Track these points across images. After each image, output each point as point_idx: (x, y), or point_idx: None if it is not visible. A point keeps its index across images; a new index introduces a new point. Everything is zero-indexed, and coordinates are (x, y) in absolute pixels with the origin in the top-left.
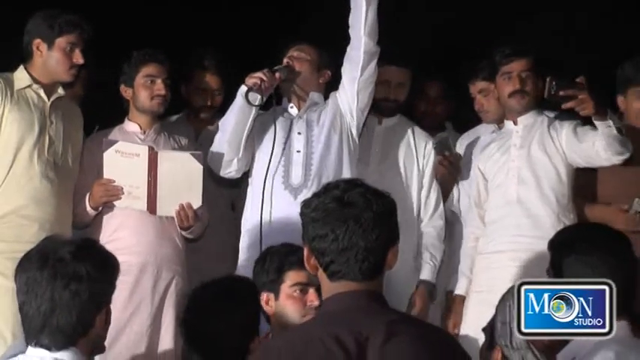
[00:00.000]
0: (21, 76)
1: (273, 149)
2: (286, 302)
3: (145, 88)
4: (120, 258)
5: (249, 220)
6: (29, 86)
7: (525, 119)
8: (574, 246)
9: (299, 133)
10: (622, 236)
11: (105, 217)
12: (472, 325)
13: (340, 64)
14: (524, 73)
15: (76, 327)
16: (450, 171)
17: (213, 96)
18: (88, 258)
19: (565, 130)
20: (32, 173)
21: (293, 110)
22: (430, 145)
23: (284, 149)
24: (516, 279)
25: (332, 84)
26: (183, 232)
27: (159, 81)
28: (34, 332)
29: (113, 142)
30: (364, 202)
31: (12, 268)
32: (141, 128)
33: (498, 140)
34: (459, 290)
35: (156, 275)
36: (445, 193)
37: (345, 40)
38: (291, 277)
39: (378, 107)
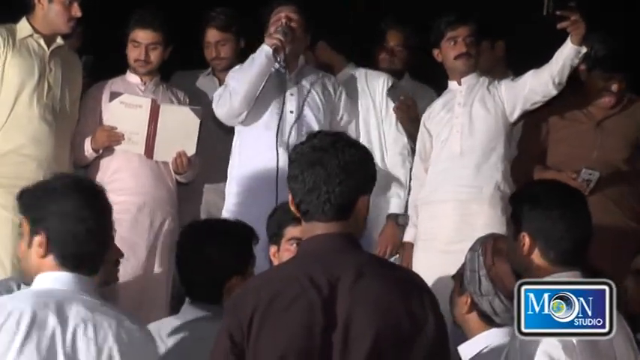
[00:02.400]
0: (23, 27)
1: (283, 108)
2: (284, 254)
3: (131, 51)
4: (119, 198)
5: (238, 168)
6: (30, 36)
7: (468, 80)
8: (538, 200)
9: (291, 94)
10: (580, 194)
11: (105, 160)
12: (420, 270)
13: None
14: (468, 39)
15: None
16: (410, 113)
17: (217, 47)
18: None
19: (503, 83)
20: (32, 115)
21: (285, 71)
22: (382, 81)
23: (278, 108)
24: (458, 227)
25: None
26: (178, 177)
27: (141, 46)
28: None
29: (119, 94)
30: (333, 150)
31: (12, 201)
32: (142, 80)
33: (443, 99)
34: (407, 238)
35: (151, 215)
36: (412, 134)
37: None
38: (289, 232)
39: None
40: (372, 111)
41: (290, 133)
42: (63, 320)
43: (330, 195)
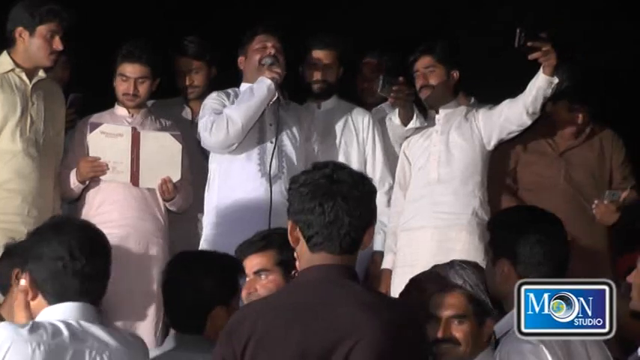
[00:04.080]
0: (4, 61)
1: (263, 138)
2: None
3: (119, 84)
4: (104, 231)
5: (218, 198)
6: (12, 70)
7: (445, 108)
8: (515, 226)
9: (270, 125)
10: (556, 219)
11: (91, 192)
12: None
13: None
14: (426, 70)
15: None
16: (406, 98)
17: (190, 75)
18: None
19: (481, 111)
20: (15, 150)
21: None
22: (367, 119)
23: (258, 138)
24: (436, 253)
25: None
26: (167, 204)
27: (130, 80)
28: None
29: (98, 125)
30: (352, 182)
31: None
32: (129, 112)
33: (423, 127)
34: (386, 265)
35: (137, 247)
36: (410, 115)
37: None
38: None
39: (312, 90)
40: (354, 146)
41: (270, 163)
42: (80, 349)
43: (351, 230)
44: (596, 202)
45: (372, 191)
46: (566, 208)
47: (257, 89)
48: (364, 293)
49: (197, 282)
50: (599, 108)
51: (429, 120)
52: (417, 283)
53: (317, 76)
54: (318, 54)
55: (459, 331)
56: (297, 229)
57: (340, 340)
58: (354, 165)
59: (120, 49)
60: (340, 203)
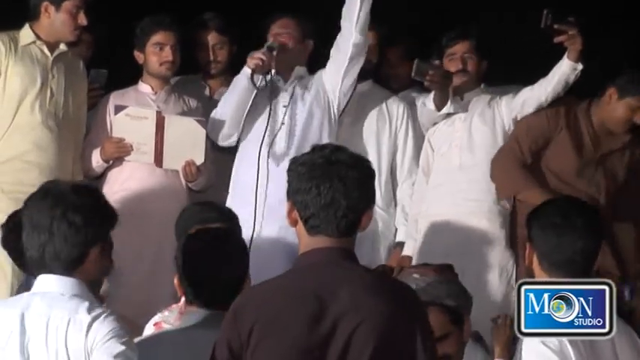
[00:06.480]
0: (26, 34)
1: (269, 120)
2: None
3: (155, 54)
4: (128, 206)
5: (239, 181)
6: (33, 42)
7: (469, 95)
8: (536, 210)
9: (284, 106)
10: (586, 209)
11: (115, 170)
12: None
13: (325, 37)
14: (466, 55)
15: (72, 255)
16: (443, 82)
17: (214, 50)
18: (87, 194)
19: (504, 98)
20: (34, 122)
21: (279, 83)
22: (402, 108)
23: (269, 120)
24: (457, 240)
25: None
26: (190, 185)
27: (167, 48)
28: (36, 263)
29: (123, 107)
30: (350, 163)
31: (14, 207)
32: (153, 89)
33: (456, 113)
34: (407, 252)
35: (160, 223)
36: (445, 99)
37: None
38: None
39: None
40: (386, 133)
41: (281, 144)
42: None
43: (349, 212)
44: None
45: (371, 173)
46: None
47: (238, 79)
48: (366, 275)
49: (235, 257)
50: None
51: (462, 106)
52: None
53: None
54: None
55: (445, 347)
56: (295, 209)
57: (343, 321)
58: (384, 152)
59: (140, 22)
60: (337, 185)
